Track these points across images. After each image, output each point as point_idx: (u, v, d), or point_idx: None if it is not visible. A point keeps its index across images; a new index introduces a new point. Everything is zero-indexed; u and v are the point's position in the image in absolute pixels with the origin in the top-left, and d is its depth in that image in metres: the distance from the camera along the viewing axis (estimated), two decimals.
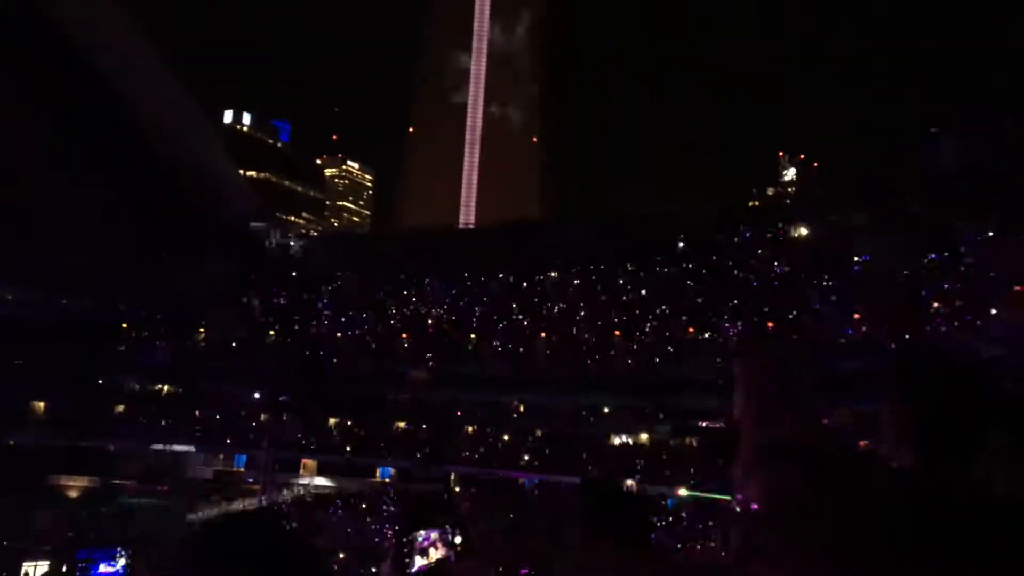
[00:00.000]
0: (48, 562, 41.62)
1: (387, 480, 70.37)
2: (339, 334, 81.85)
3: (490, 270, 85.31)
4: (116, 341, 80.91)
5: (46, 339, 73.28)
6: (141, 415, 75.29)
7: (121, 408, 76.89)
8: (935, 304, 59.06)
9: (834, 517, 2.23)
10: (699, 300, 72.06)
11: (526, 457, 66.74)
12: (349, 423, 73.53)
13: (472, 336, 77.90)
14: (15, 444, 67.07)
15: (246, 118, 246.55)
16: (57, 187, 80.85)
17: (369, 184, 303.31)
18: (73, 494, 63.58)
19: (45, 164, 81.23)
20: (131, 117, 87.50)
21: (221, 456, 75.87)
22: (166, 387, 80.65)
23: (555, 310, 77.81)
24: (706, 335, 67.43)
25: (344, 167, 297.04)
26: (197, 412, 75.45)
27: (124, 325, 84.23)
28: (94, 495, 62.31)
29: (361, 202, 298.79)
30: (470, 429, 71.04)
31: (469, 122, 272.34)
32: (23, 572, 43.45)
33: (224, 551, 2.88)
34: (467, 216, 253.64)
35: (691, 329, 68.77)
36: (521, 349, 73.88)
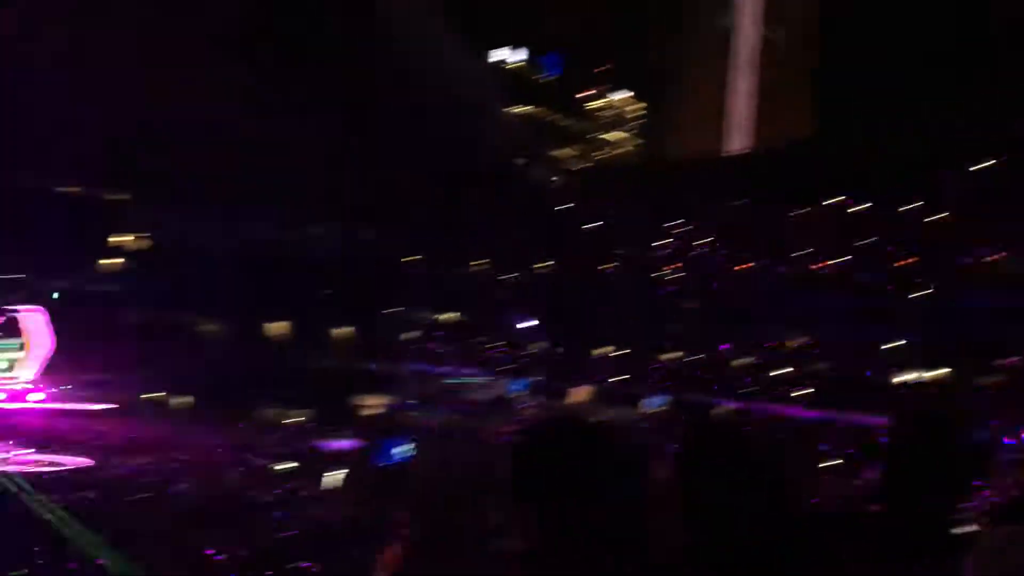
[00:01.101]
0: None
1: (661, 409, 70.53)
2: (608, 266, 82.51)
3: (765, 197, 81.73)
4: (404, 273, 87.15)
5: (346, 272, 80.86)
6: (429, 342, 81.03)
7: (411, 335, 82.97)
8: None
9: None
10: (994, 222, 64.64)
11: (801, 392, 64.02)
12: (616, 353, 74.24)
13: (749, 264, 75.37)
14: (322, 367, 74.64)
15: (516, 54, 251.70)
16: (338, 127, 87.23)
17: (639, 114, 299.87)
18: (369, 412, 69.80)
19: (325, 108, 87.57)
20: (398, 59, 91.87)
21: (501, 381, 79.85)
22: (449, 315, 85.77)
23: (833, 239, 73.24)
24: (999, 262, 60.58)
25: (611, 98, 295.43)
26: (479, 339, 79.81)
27: (409, 258, 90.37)
28: (386, 415, 68.00)
29: (631, 132, 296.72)
30: (738, 363, 69.12)
31: (740, 46, 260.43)
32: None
33: (549, 452, 2.91)
34: (739, 142, 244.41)
35: (992, 257, 62.06)
36: (800, 281, 70.63)
